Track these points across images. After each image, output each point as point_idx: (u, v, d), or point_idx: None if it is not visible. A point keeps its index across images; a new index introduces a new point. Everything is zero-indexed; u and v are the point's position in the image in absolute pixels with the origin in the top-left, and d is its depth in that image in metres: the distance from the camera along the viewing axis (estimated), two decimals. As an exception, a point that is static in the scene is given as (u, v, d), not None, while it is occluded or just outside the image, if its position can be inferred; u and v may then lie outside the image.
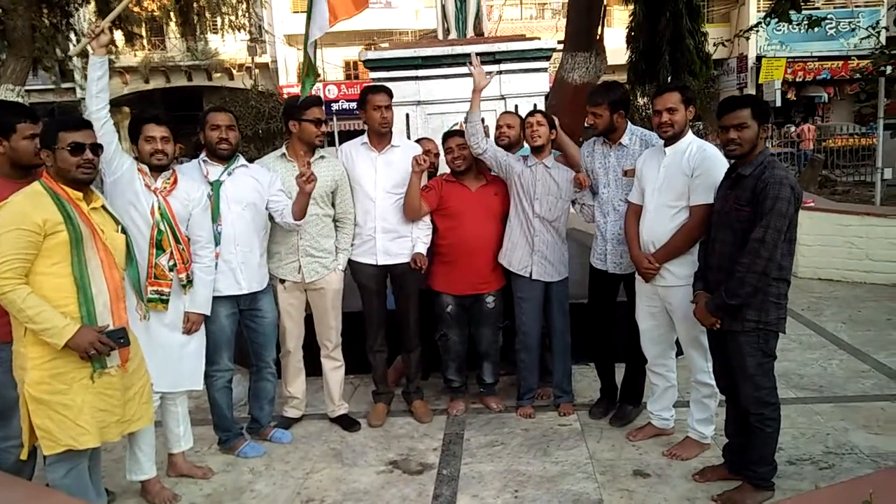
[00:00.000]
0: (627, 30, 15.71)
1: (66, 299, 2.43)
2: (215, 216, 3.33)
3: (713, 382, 3.23)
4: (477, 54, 3.94)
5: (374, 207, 3.78)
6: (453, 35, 6.16)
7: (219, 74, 25.76)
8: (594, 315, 3.84)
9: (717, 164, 3.11)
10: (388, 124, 3.77)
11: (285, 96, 20.58)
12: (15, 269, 2.34)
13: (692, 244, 3.19)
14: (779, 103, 23.36)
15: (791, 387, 4.20)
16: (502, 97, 5.57)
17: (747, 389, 2.87)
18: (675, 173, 3.22)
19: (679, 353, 3.54)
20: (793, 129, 18.72)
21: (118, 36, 13.69)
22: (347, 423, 3.92)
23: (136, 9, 11.74)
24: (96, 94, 3.00)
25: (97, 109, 2.99)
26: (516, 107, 5.41)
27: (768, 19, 9.12)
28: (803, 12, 8.68)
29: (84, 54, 13.34)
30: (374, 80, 5.42)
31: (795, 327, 5.36)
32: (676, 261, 3.25)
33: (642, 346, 3.56)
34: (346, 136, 19.77)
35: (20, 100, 9.77)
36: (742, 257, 2.75)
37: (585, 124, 4.29)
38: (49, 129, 2.56)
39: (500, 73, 5.55)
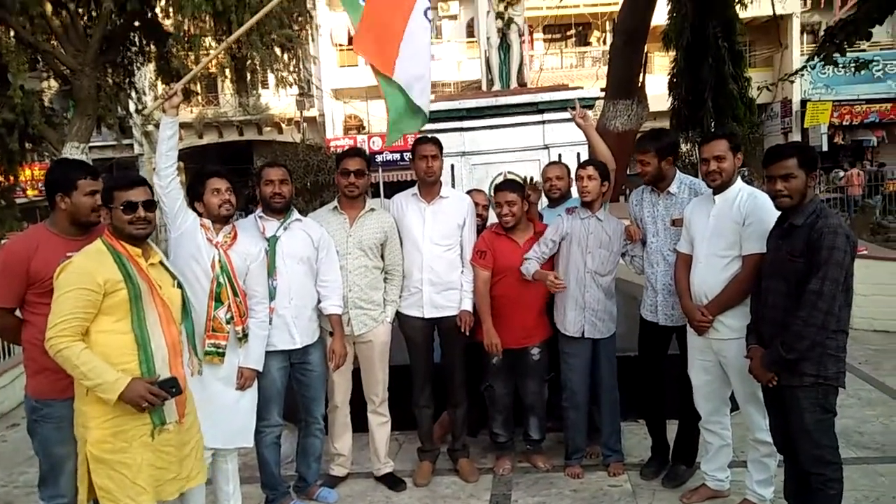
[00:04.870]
0: (669, 76, 15.74)
1: (127, 356, 2.49)
2: (271, 271, 3.42)
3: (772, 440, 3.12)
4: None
5: (422, 258, 3.81)
6: (497, 86, 6.30)
7: (269, 129, 26.60)
8: (644, 369, 3.77)
9: (769, 211, 3.04)
10: (433, 173, 3.83)
11: (332, 149, 21.09)
12: (72, 328, 2.42)
13: (746, 295, 3.13)
14: (825, 148, 22.97)
15: (851, 445, 4.02)
16: (546, 146, 5.63)
17: (807, 448, 2.77)
18: (726, 222, 3.18)
19: (734, 408, 3.44)
20: (841, 174, 18.31)
21: (176, 93, 14.41)
22: (393, 482, 3.90)
23: (195, 66, 12.36)
24: (166, 153, 3.14)
25: (165, 167, 3.13)
26: (560, 156, 5.46)
27: (813, 62, 9.07)
28: (849, 55, 8.62)
29: (139, 111, 14.03)
30: (419, 132, 5.54)
31: (853, 382, 5.14)
32: (730, 312, 3.19)
33: (695, 402, 3.47)
34: (391, 186, 20.12)
35: (84, 156, 10.26)
36: (799, 310, 2.68)
37: (632, 172, 4.32)
38: (106, 189, 2.65)
39: (543, 122, 5.63)
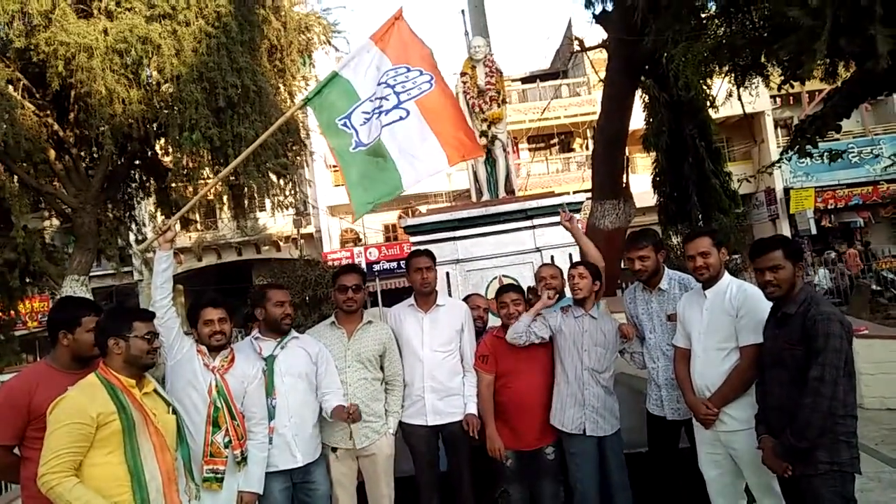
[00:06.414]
0: (652, 175, 16.28)
1: (120, 488, 2.47)
2: (269, 390, 3.41)
3: (794, 533, 3.01)
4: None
5: (423, 367, 3.83)
6: (486, 196, 6.53)
7: (267, 247, 27.08)
8: (656, 464, 3.69)
9: (761, 302, 3.10)
10: (429, 284, 3.93)
11: (330, 263, 21.40)
12: (64, 463, 2.41)
13: (748, 385, 3.13)
14: (814, 231, 23.40)
15: (881, 533, 3.88)
16: (538, 249, 5.76)
17: (831, 540, 2.68)
18: (719, 315, 3.23)
19: (750, 501, 3.34)
20: (832, 255, 18.59)
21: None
22: None
23: (193, 197, 12.80)
24: (161, 285, 3.24)
25: (161, 298, 3.21)
26: (552, 258, 5.58)
27: (787, 156, 9.45)
28: (822, 146, 8.98)
29: (139, 241, 14.32)
30: (414, 244, 5.69)
31: (872, 464, 4.99)
32: (735, 403, 3.18)
33: (710, 498, 3.38)
34: (388, 295, 20.23)
35: (84, 289, 10.37)
36: (804, 397, 2.69)
37: (625, 267, 4.42)
38: (122, 318, 2.70)
39: (533, 227, 5.80)
